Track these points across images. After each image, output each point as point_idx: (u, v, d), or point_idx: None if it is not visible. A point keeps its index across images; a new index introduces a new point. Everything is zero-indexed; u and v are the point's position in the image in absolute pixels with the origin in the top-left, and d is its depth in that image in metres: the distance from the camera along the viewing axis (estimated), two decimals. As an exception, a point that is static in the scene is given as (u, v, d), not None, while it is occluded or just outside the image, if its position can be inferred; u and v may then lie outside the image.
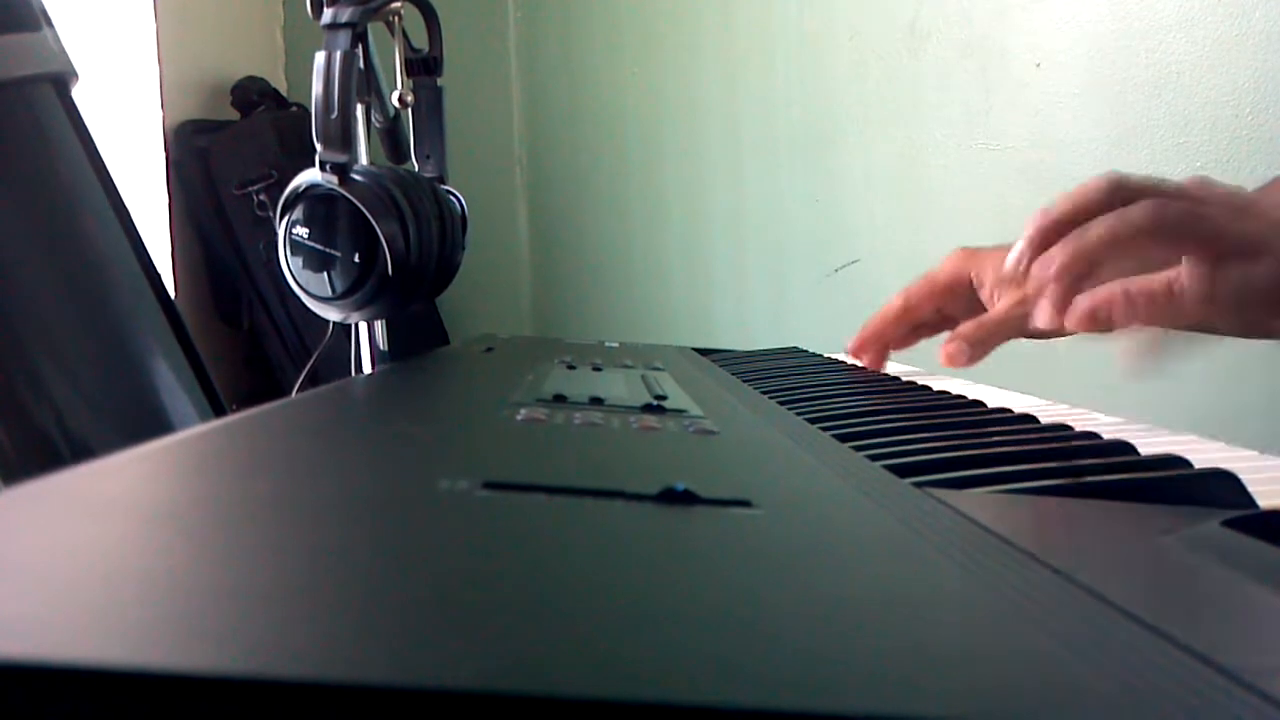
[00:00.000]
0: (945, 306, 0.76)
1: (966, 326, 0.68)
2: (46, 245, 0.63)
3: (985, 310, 0.73)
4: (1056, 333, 0.55)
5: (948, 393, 0.61)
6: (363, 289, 0.60)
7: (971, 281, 0.74)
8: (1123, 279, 0.53)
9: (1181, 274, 0.50)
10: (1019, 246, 0.55)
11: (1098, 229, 0.50)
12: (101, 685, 0.13)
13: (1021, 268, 0.54)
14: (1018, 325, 0.68)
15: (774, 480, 0.34)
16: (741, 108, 1.80)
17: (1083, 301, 0.52)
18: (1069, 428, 0.47)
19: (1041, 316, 0.52)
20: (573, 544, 0.23)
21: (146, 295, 0.65)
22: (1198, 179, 0.55)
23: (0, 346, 0.59)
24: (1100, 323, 0.52)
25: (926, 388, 0.65)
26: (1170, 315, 0.51)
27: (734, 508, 0.26)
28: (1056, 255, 0.51)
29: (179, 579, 0.18)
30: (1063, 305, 0.51)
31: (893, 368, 0.79)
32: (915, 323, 0.77)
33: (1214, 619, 0.23)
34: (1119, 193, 0.52)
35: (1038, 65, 1.34)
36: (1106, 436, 0.44)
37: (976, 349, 0.67)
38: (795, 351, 0.91)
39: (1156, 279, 0.50)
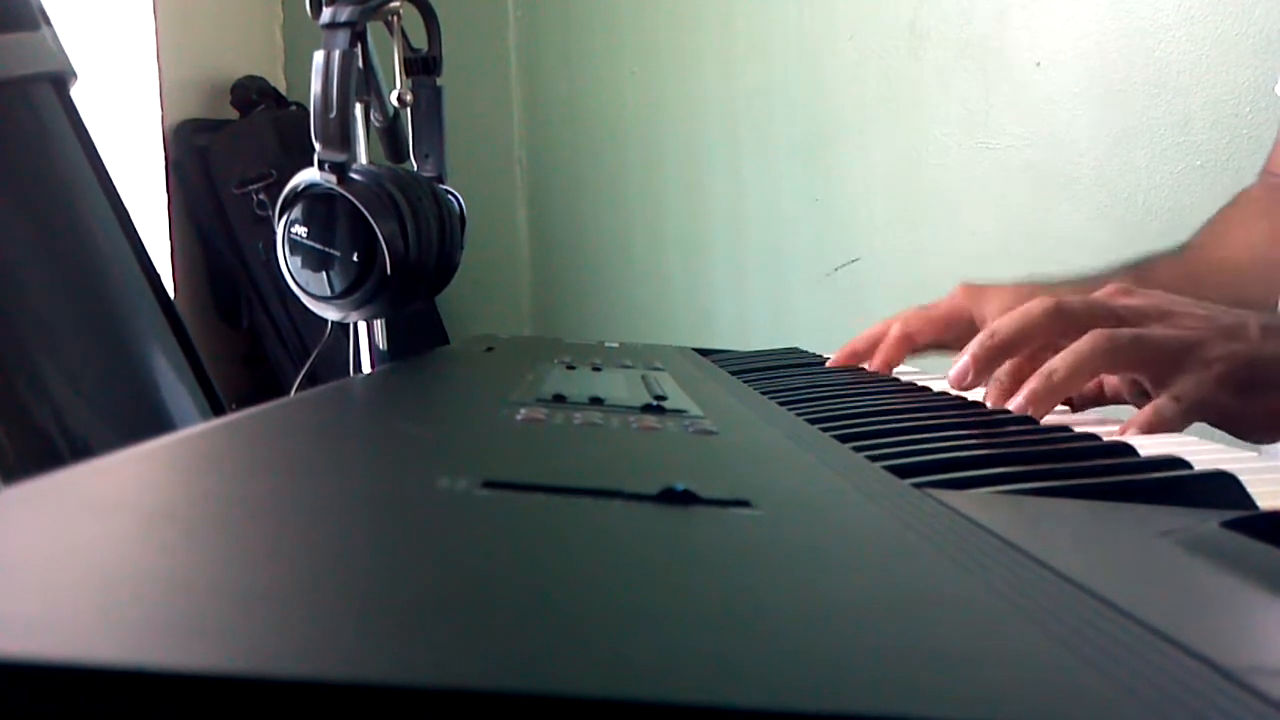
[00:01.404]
0: (943, 337, 0.77)
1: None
2: (45, 245, 0.63)
3: None
4: None
5: (948, 393, 0.61)
6: (362, 288, 0.60)
7: (972, 318, 0.75)
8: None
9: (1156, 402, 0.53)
10: (963, 362, 0.57)
11: (1058, 370, 0.53)
12: (101, 684, 0.13)
13: (967, 382, 0.57)
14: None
15: (773, 480, 0.34)
16: (741, 108, 1.79)
17: None
18: (1068, 429, 0.47)
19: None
20: (572, 544, 0.23)
21: (146, 295, 0.65)
22: (1120, 286, 0.58)
23: (-1, 346, 0.59)
24: None
25: (926, 388, 0.65)
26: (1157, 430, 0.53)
27: (733, 508, 0.26)
28: (1021, 401, 0.53)
29: (178, 578, 0.18)
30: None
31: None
32: (912, 351, 0.78)
33: (1214, 619, 0.23)
34: (1060, 319, 0.55)
35: (1037, 64, 1.34)
36: (1105, 437, 0.44)
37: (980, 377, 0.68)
38: (795, 352, 0.91)
39: (1137, 417, 0.53)
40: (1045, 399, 0.53)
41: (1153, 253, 0.84)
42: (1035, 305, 0.56)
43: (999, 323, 0.56)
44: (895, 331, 0.76)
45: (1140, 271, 0.79)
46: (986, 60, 1.40)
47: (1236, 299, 0.63)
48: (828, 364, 0.78)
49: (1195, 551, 0.27)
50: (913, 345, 0.77)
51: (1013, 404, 0.53)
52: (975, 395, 0.59)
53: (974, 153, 1.42)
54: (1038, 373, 0.53)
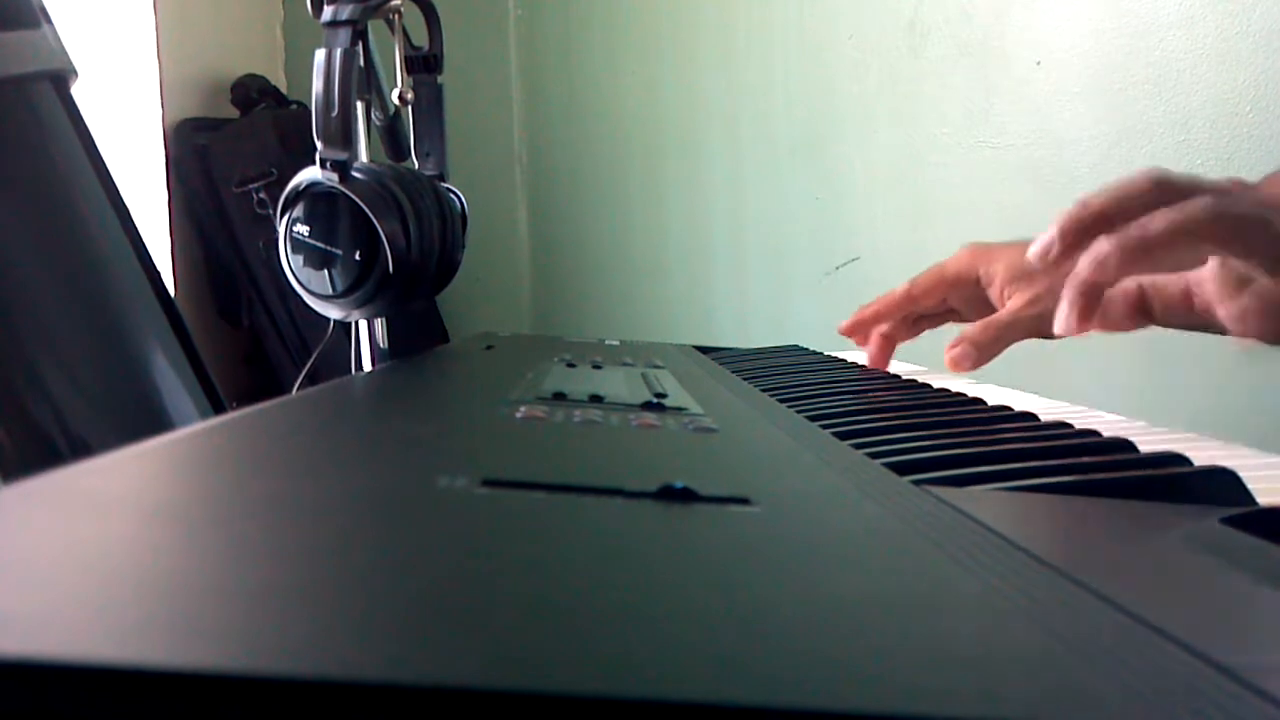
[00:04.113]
0: (951, 299, 0.76)
1: (973, 329, 0.67)
2: (46, 243, 0.63)
3: (992, 307, 0.73)
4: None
5: (948, 391, 0.61)
6: (363, 287, 0.60)
7: (980, 278, 0.74)
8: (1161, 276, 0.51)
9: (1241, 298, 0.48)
10: (1048, 236, 0.49)
11: (1160, 222, 0.45)
12: (100, 682, 0.13)
13: (1051, 256, 0.48)
14: (1027, 326, 0.67)
15: (773, 478, 0.34)
16: (741, 107, 1.79)
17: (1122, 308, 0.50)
18: (1069, 425, 0.47)
19: (1064, 324, 0.47)
20: (571, 542, 0.23)
21: (146, 293, 0.65)
22: (1235, 180, 0.51)
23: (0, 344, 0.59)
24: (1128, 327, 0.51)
25: (927, 386, 0.65)
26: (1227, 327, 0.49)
27: (733, 505, 0.26)
28: (1107, 247, 0.45)
29: (178, 576, 0.18)
30: (1089, 311, 0.47)
31: (894, 366, 0.79)
32: (918, 312, 0.77)
33: (1213, 616, 0.23)
34: (1164, 191, 0.47)
35: (1038, 63, 1.34)
36: (1106, 434, 0.44)
37: (984, 352, 0.66)
38: (795, 349, 0.91)
39: (1227, 308, 0.47)
40: (1134, 252, 0.45)
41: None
42: (1136, 175, 0.48)
43: (1092, 194, 0.48)
44: (900, 290, 0.76)
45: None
46: (986, 60, 1.40)
47: None
48: (840, 328, 0.78)
49: (1195, 548, 0.27)
50: (916, 304, 0.76)
51: (1094, 251, 0.46)
52: (975, 393, 0.59)
53: (974, 152, 1.42)
54: (1134, 223, 0.45)
